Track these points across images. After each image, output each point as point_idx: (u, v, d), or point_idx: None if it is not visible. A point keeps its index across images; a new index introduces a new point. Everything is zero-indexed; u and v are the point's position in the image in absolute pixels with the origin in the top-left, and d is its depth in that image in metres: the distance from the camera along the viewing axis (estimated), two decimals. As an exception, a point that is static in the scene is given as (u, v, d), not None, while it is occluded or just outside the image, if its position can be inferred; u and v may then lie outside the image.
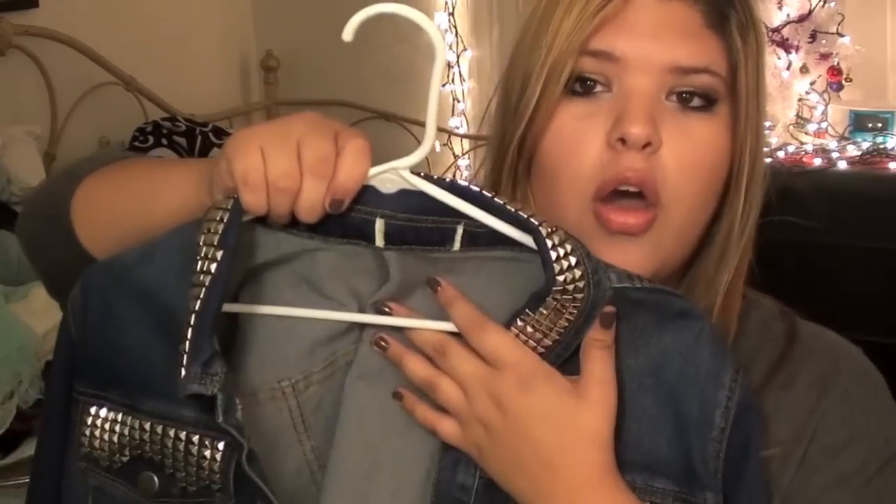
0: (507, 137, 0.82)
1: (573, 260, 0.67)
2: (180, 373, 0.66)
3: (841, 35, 2.66)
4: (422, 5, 2.94)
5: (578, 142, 0.78)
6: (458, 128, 3.47)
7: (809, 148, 2.64)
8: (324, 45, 3.44)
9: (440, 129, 3.19)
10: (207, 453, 0.69)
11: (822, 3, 2.66)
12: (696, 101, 0.79)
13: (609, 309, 0.69)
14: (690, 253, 0.83)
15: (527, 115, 0.79)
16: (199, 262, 0.67)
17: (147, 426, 0.71)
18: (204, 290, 0.66)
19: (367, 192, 0.70)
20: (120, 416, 0.72)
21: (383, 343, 0.71)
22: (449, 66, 3.23)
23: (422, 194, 0.70)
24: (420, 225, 0.71)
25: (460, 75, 3.41)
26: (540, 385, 0.69)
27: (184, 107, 2.95)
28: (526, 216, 0.68)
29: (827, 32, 2.66)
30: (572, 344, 0.69)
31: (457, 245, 0.71)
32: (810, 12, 2.67)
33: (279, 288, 0.72)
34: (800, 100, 2.72)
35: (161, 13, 3.01)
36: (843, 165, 2.54)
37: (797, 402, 0.83)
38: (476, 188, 0.70)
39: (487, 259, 0.71)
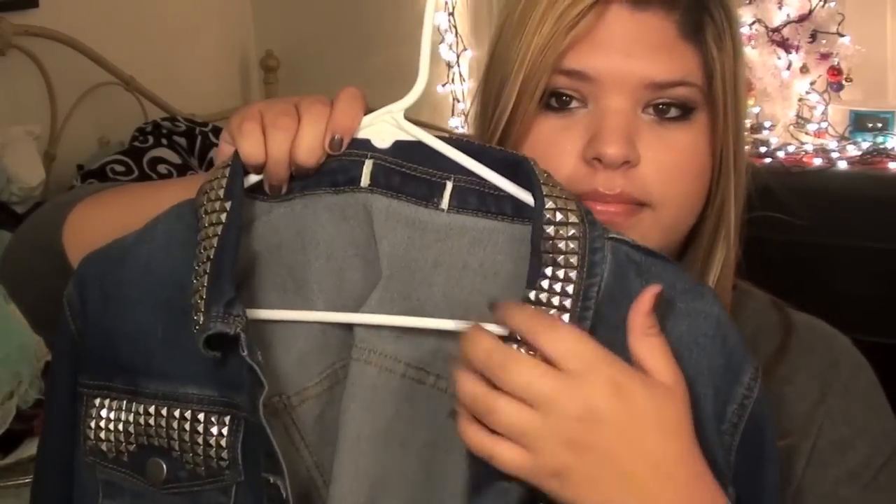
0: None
1: (564, 195, 0.65)
2: (198, 321, 0.64)
3: (841, 35, 2.66)
4: (421, 4, 2.94)
5: (554, 156, 0.77)
6: (457, 128, 3.47)
7: (809, 148, 2.64)
8: (324, 45, 3.44)
9: (441, 129, 3.19)
10: (214, 430, 0.68)
11: (822, 3, 2.66)
12: (672, 112, 0.78)
13: (654, 289, 0.63)
14: (676, 251, 0.82)
15: (501, 127, 0.79)
16: (206, 218, 0.66)
17: (151, 409, 0.70)
18: (217, 238, 0.65)
19: (361, 143, 0.69)
20: (124, 404, 0.71)
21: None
22: (448, 66, 3.23)
23: (416, 148, 0.69)
24: (409, 171, 0.69)
25: (460, 75, 3.41)
26: (637, 387, 0.61)
27: (184, 107, 2.95)
28: (513, 153, 0.68)
29: (827, 32, 2.66)
30: (589, 308, 0.63)
31: (445, 202, 0.69)
32: (810, 12, 2.66)
33: (266, 290, 0.70)
34: (800, 100, 2.72)
35: (161, 13, 3.01)
36: (843, 165, 2.54)
37: (799, 394, 0.84)
38: (472, 141, 0.69)
39: (483, 233, 0.68)
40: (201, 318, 0.64)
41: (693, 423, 0.63)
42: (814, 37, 2.68)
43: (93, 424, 0.72)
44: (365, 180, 0.69)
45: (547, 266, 0.63)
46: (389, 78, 3.40)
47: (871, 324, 2.34)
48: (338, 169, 0.69)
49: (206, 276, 0.65)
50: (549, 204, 0.64)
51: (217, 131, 2.86)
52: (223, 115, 3.14)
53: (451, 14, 3.35)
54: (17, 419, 1.67)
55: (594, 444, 0.60)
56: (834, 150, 2.60)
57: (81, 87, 2.71)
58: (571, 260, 0.63)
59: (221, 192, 0.67)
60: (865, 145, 2.62)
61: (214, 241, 0.66)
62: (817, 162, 2.58)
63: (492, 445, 0.61)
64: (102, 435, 0.72)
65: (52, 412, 0.77)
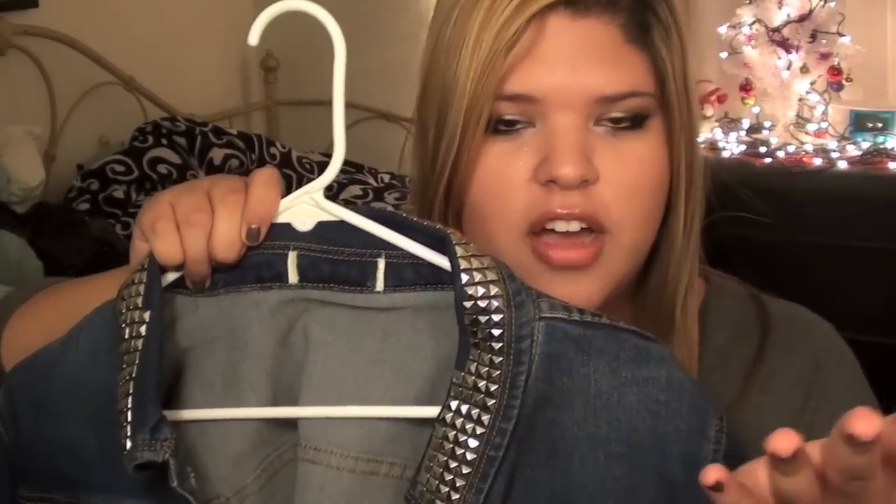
0: (432, 185, 0.77)
1: (490, 275, 0.61)
2: (125, 445, 0.61)
3: (841, 35, 2.66)
4: (421, 4, 2.94)
5: (506, 181, 0.74)
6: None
7: (809, 148, 2.64)
8: (324, 45, 3.43)
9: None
10: None
11: (822, 3, 2.66)
12: (626, 123, 0.75)
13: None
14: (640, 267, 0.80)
15: (448, 162, 0.74)
16: (126, 329, 0.63)
17: None
18: (138, 354, 0.62)
19: (282, 230, 0.65)
20: None
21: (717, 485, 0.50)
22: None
23: (340, 228, 0.65)
24: (337, 257, 0.65)
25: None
26: None
27: (184, 107, 2.95)
28: (438, 227, 0.63)
29: (827, 32, 2.66)
30: (516, 396, 0.60)
31: (379, 283, 0.65)
32: (810, 12, 2.67)
33: (194, 391, 0.67)
34: (800, 100, 2.72)
35: (161, 13, 3.01)
36: (843, 165, 2.54)
37: (781, 404, 0.82)
38: (395, 211, 0.65)
39: (421, 310, 0.65)
40: (128, 444, 0.61)
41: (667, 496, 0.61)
42: (814, 37, 2.68)
43: None
44: (293, 276, 0.65)
45: (475, 349, 0.61)
46: (389, 78, 3.41)
47: (871, 324, 2.34)
48: (262, 263, 0.65)
49: (130, 398, 0.62)
50: (471, 291, 0.61)
51: (217, 131, 2.86)
52: (223, 115, 3.15)
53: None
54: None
55: None
56: (834, 150, 2.60)
57: (81, 87, 2.71)
58: (497, 347, 0.61)
59: (140, 301, 0.63)
60: (865, 145, 2.62)
61: (136, 357, 0.62)
62: (817, 162, 2.58)
63: None
64: None
65: None
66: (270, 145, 2.99)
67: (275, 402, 0.66)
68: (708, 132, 2.78)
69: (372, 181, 3.00)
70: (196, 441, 0.66)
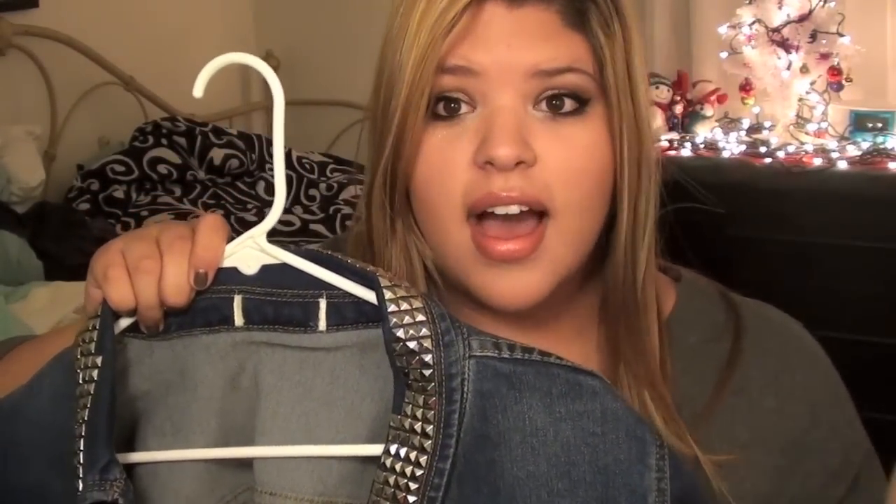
0: (374, 169, 0.78)
1: (419, 316, 0.62)
2: (77, 486, 0.63)
3: (841, 35, 2.66)
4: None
5: (446, 165, 0.75)
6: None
7: (809, 148, 2.63)
8: (324, 45, 3.44)
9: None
10: None
11: (822, 3, 2.65)
12: (567, 106, 0.75)
13: None
14: (589, 257, 0.80)
15: (388, 146, 0.76)
16: (81, 374, 0.65)
17: None
18: (90, 397, 0.64)
19: (229, 274, 0.67)
20: None
21: None
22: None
23: (283, 271, 0.66)
24: (280, 299, 0.66)
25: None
26: None
27: (184, 107, 2.96)
28: (368, 269, 0.64)
29: (827, 32, 2.66)
30: (451, 435, 0.61)
31: (322, 323, 0.66)
32: (810, 12, 2.66)
33: (146, 435, 0.69)
34: (800, 100, 2.71)
35: (161, 13, 3.02)
36: (843, 165, 2.54)
37: (754, 405, 0.83)
38: (333, 254, 0.66)
39: (366, 349, 0.66)
40: (79, 485, 0.63)
41: None
42: (814, 37, 2.67)
43: None
44: (238, 319, 0.67)
45: (409, 391, 0.62)
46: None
47: (871, 324, 2.34)
48: (209, 307, 0.67)
49: (82, 440, 0.63)
50: (400, 333, 0.62)
51: (217, 131, 2.87)
52: (223, 115, 3.15)
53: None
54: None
55: None
56: (834, 150, 2.60)
57: (81, 87, 2.71)
58: (429, 387, 0.62)
59: (93, 347, 0.65)
60: (865, 145, 2.61)
61: (88, 400, 0.64)
62: (817, 162, 2.58)
63: None
64: None
65: None
66: (270, 145, 2.99)
67: (225, 444, 0.68)
68: (708, 132, 2.77)
69: (372, 181, 3.00)
70: (149, 484, 0.67)
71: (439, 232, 0.77)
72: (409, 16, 0.75)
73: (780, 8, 2.69)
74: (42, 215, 2.30)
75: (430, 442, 0.61)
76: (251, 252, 0.67)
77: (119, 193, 2.58)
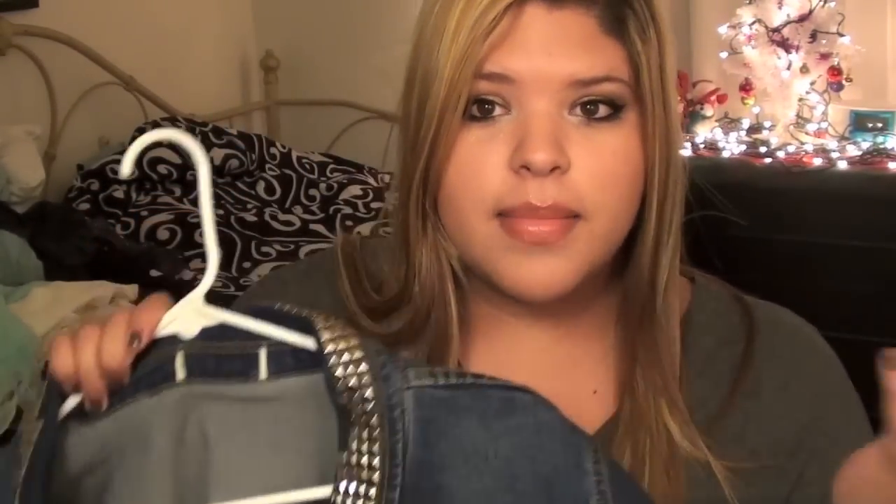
0: (409, 171, 0.78)
1: (357, 353, 0.63)
2: None
3: (841, 35, 2.66)
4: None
5: (480, 167, 0.75)
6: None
7: (809, 148, 2.63)
8: (324, 45, 3.44)
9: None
10: None
11: (822, 3, 2.66)
12: (601, 112, 0.76)
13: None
14: (613, 258, 0.80)
15: (426, 147, 0.76)
16: (24, 437, 0.66)
17: None
18: (26, 466, 0.64)
19: (170, 341, 0.68)
20: None
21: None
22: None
23: (223, 329, 0.67)
24: (220, 353, 0.68)
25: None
26: None
27: (184, 107, 2.96)
28: (305, 314, 0.66)
29: (827, 32, 2.66)
30: (397, 464, 0.63)
31: (262, 371, 0.67)
32: (810, 12, 2.66)
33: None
34: (800, 100, 2.72)
35: (161, 13, 3.02)
36: (843, 165, 2.54)
37: (767, 408, 0.83)
38: (269, 306, 0.67)
39: (308, 393, 0.67)
40: None
41: None
42: (814, 37, 2.68)
43: None
44: (180, 373, 0.67)
45: (353, 427, 0.63)
46: (388, 78, 3.41)
47: (870, 324, 2.34)
48: (152, 371, 0.68)
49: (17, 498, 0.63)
50: (339, 371, 0.63)
51: (217, 131, 2.87)
52: (223, 115, 3.15)
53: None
54: (18, 419, 1.67)
55: None
56: (834, 150, 2.60)
57: (81, 87, 2.71)
58: (373, 421, 0.63)
59: (36, 412, 0.66)
60: (865, 145, 2.62)
61: (25, 465, 0.64)
62: (817, 162, 2.58)
63: None
64: None
65: None
66: (270, 145, 2.99)
67: (182, 500, 0.68)
68: (708, 132, 2.78)
69: (372, 181, 3.00)
70: None
71: (466, 226, 0.77)
72: (446, 16, 0.75)
73: (780, 8, 2.70)
74: (42, 215, 2.30)
75: (377, 474, 0.62)
76: (190, 317, 0.68)
77: (119, 193, 2.58)
